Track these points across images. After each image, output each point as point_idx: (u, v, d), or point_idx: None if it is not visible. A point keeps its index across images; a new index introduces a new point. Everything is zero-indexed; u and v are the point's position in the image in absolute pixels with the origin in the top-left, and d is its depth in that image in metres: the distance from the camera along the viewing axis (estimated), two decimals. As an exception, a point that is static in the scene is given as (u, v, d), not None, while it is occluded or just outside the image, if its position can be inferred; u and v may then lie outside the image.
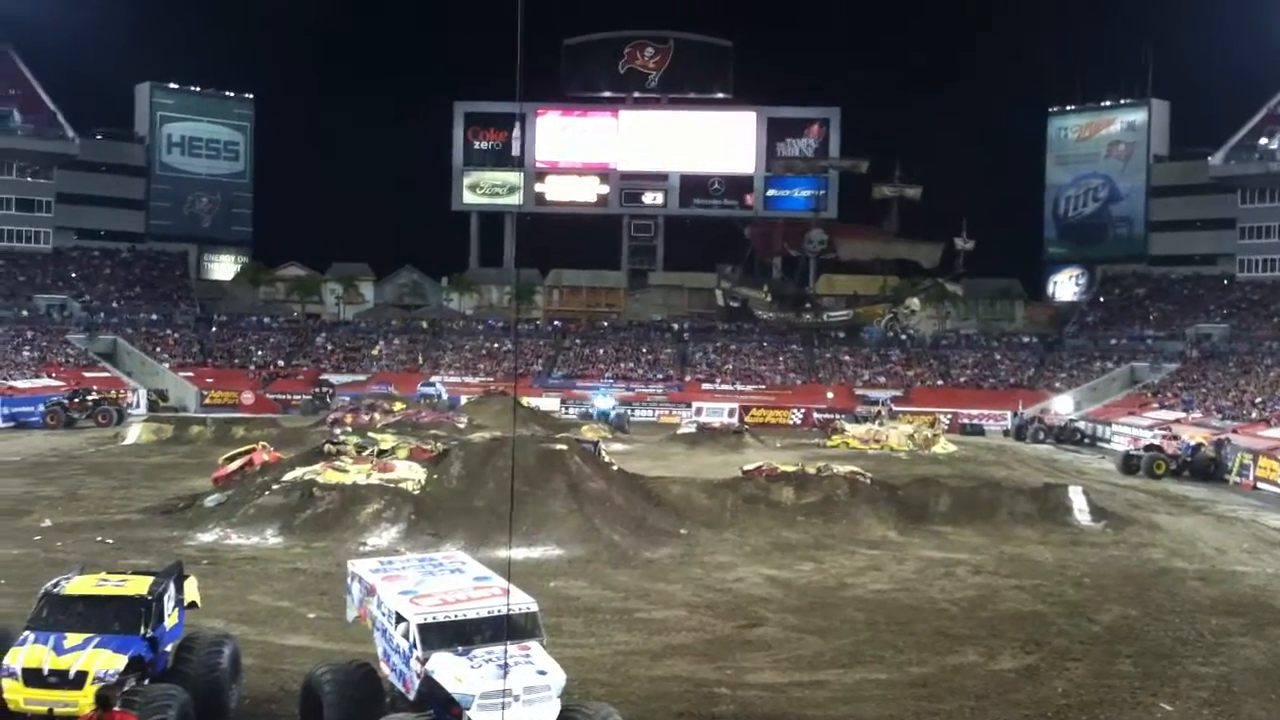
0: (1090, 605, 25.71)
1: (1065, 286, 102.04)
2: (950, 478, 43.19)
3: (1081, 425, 68.41)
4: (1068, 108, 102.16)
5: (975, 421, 73.37)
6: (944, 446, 60.27)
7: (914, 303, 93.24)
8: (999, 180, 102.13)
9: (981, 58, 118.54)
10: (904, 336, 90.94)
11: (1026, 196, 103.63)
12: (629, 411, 72.02)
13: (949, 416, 72.93)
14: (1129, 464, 51.88)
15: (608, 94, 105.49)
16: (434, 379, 78.06)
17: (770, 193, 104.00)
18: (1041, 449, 64.01)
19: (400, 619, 15.61)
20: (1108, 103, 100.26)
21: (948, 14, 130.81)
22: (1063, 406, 73.21)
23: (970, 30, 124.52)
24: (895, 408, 72.75)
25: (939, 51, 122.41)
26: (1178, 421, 62.42)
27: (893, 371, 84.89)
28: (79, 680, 14.90)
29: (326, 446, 39.98)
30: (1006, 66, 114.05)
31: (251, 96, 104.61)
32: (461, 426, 55.06)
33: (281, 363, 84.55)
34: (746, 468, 41.00)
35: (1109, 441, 64.27)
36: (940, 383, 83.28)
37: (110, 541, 29.91)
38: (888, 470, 45.72)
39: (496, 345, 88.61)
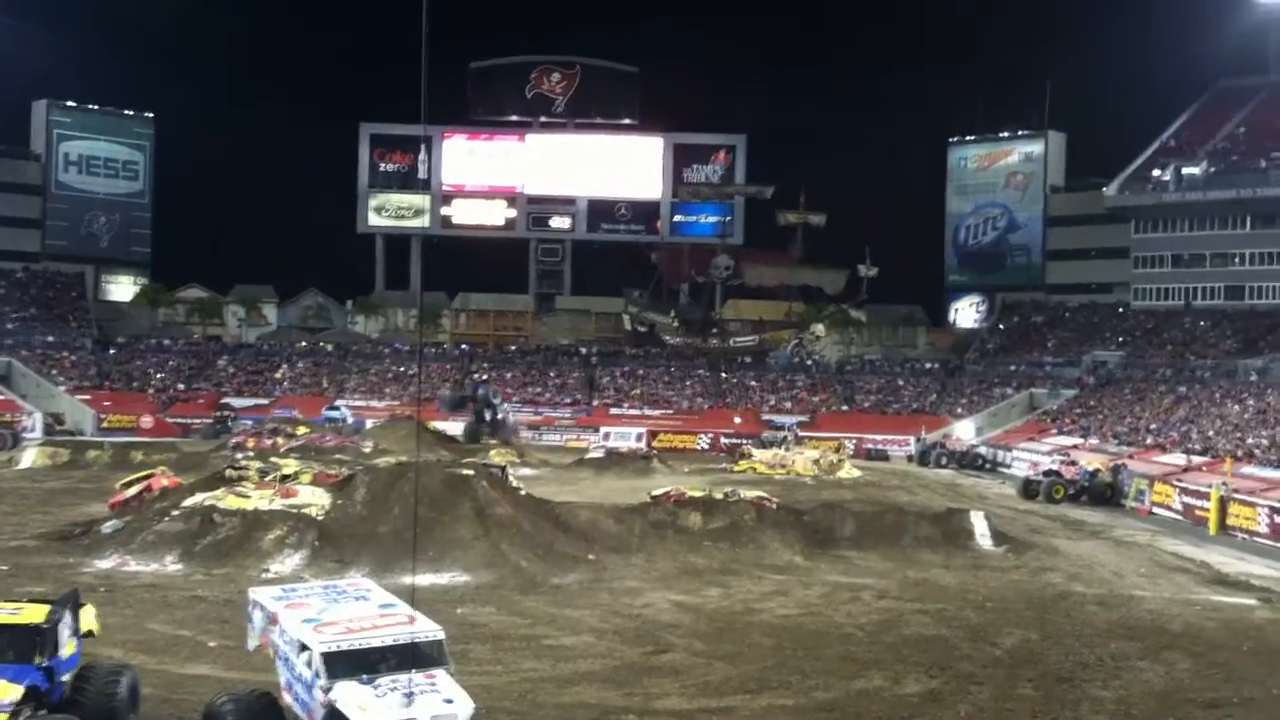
0: (992, 629, 26.05)
1: (966, 314, 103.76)
2: (855, 502, 43.64)
3: (983, 450, 69.48)
4: (967, 138, 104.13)
5: (879, 446, 74.11)
6: (849, 471, 60.79)
7: (819, 328, 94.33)
8: (901, 208, 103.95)
9: (885, 88, 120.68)
10: (809, 362, 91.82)
11: (928, 225, 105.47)
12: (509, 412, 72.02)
13: (854, 441, 73.65)
14: (1029, 489, 52.69)
15: (515, 118, 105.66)
16: (339, 403, 77.29)
17: (677, 218, 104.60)
18: (944, 474, 64.87)
19: (304, 647, 15.42)
20: (1006, 134, 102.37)
21: (852, 44, 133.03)
22: (964, 432, 74.27)
23: (874, 61, 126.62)
24: (801, 433, 73.26)
25: (843, 81, 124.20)
26: (1076, 447, 63.68)
27: (798, 397, 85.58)
28: (-29, 712, 14.48)
29: (228, 471, 39.40)
30: (909, 97, 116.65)
31: (151, 115, 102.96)
32: (367, 451, 54.58)
33: (182, 386, 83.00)
34: (654, 493, 40.92)
35: (1009, 467, 65.32)
36: (845, 408, 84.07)
37: (4, 569, 29.14)
38: (794, 495, 45.99)
39: (402, 369, 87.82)
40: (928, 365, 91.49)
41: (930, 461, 68.35)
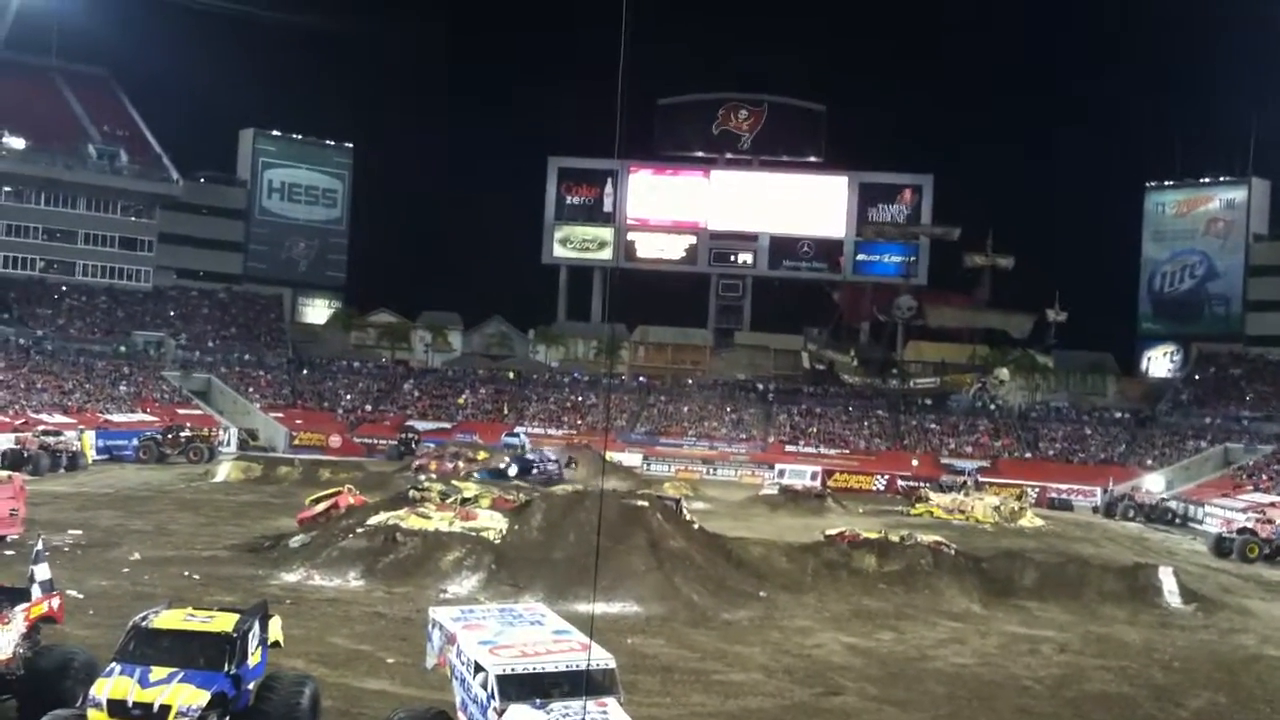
0: (1178, 690, 25.10)
1: (1159, 363, 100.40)
2: (1036, 552, 42.47)
3: (1173, 505, 66.88)
4: (1166, 183, 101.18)
5: (1064, 496, 71.99)
6: (1030, 520, 59.21)
7: (1003, 373, 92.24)
8: (1093, 253, 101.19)
9: (1078, 130, 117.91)
10: (992, 406, 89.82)
11: (1121, 270, 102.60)
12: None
13: (1036, 490, 71.74)
14: (1221, 546, 50.66)
15: (700, 154, 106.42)
16: (518, 430, 78.34)
17: (860, 257, 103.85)
18: (1131, 527, 62.71)
19: (479, 668, 15.66)
20: (1207, 179, 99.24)
21: (1046, 85, 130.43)
22: (1154, 485, 71.69)
23: (1069, 102, 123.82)
24: (981, 478, 71.72)
25: (1036, 122, 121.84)
26: (1272, 505, 60.89)
27: (980, 441, 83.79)
28: (162, 714, 15.07)
29: (410, 492, 40.44)
30: (1103, 140, 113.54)
31: (351, 146, 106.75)
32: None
33: (369, 407, 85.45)
34: (828, 532, 40.65)
35: (1201, 522, 62.84)
36: (1028, 455, 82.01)
37: (197, 577, 30.32)
38: (972, 542, 45.05)
39: (581, 398, 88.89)
40: (1117, 414, 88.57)
41: (1117, 514, 66.16)
